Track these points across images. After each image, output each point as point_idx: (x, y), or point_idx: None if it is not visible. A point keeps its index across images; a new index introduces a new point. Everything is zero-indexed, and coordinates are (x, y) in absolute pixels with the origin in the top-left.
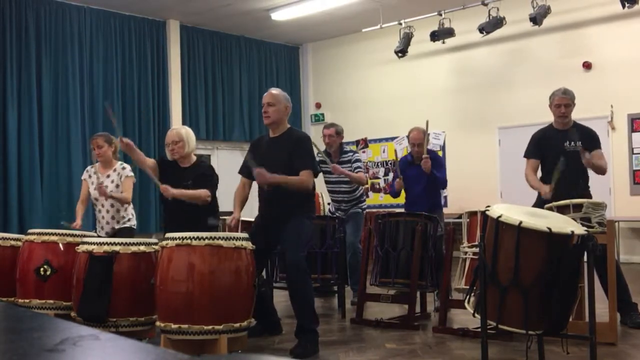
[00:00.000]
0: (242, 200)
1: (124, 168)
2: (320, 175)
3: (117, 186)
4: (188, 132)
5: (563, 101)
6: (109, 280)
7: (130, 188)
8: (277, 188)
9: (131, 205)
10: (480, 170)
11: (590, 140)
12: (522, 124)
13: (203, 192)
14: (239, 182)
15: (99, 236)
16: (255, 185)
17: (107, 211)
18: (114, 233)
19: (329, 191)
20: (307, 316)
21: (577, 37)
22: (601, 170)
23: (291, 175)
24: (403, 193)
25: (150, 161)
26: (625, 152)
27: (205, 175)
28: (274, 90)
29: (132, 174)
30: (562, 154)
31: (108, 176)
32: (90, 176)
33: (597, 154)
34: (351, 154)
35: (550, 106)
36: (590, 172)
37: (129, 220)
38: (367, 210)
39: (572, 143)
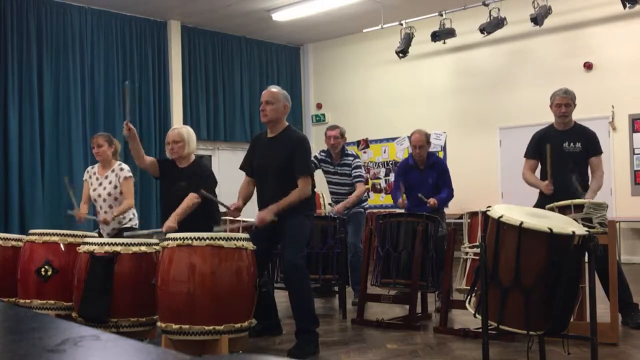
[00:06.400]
0: (246, 196)
1: (122, 169)
2: (321, 174)
3: (115, 187)
4: (189, 133)
5: (564, 101)
6: (110, 281)
7: (130, 190)
8: (275, 192)
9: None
10: (481, 171)
11: (591, 143)
12: (523, 124)
13: (190, 201)
14: (244, 179)
15: (101, 236)
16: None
17: (106, 212)
18: (115, 234)
19: (331, 192)
20: (305, 318)
21: (578, 37)
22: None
23: (286, 176)
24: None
25: (149, 158)
26: (626, 153)
27: (197, 174)
28: (273, 88)
29: (130, 174)
30: (561, 155)
31: (106, 177)
32: (90, 177)
33: (596, 161)
34: (352, 158)
35: (550, 106)
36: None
37: (130, 220)
38: (369, 210)
39: (572, 144)
